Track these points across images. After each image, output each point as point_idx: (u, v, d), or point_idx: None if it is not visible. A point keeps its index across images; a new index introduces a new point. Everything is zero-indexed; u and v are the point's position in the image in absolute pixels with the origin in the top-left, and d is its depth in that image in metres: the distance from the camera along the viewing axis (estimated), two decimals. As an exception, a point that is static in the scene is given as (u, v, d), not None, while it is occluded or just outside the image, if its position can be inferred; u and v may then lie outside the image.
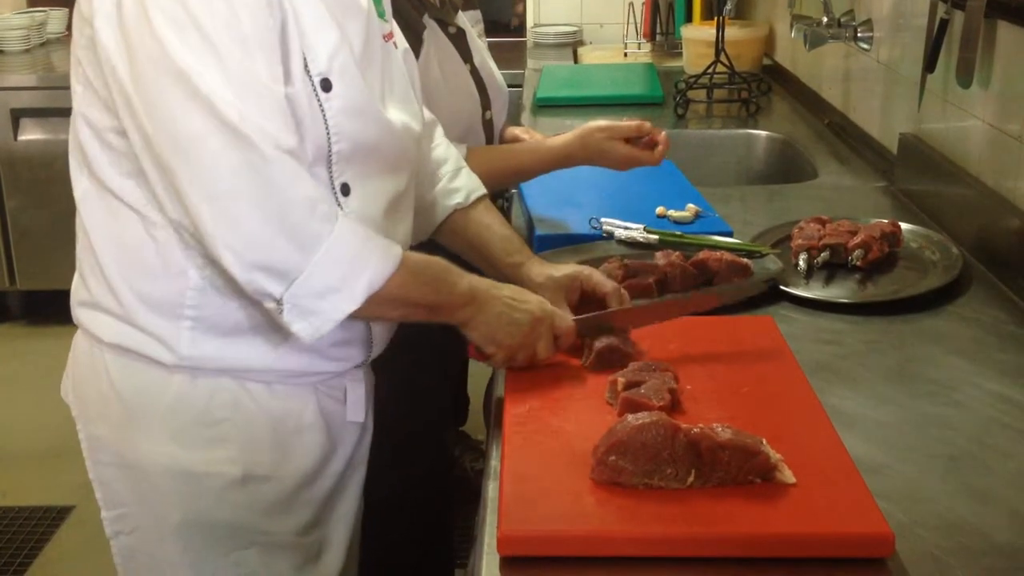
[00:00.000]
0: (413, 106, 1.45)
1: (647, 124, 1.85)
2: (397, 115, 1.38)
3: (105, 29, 1.19)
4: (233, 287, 1.25)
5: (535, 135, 2.20)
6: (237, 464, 1.34)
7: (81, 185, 1.32)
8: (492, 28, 2.54)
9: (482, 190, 1.63)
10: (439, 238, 1.63)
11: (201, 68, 1.15)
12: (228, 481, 1.34)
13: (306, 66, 1.23)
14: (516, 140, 2.16)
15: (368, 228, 1.27)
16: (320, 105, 1.25)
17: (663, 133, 1.85)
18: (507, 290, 1.38)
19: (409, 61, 1.51)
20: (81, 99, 1.28)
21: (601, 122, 1.87)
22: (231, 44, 1.16)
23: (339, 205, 1.29)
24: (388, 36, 1.42)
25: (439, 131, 1.67)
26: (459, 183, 1.61)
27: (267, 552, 1.39)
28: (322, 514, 1.45)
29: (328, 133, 1.26)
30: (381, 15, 1.40)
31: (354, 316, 1.24)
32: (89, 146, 1.28)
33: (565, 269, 1.52)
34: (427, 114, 1.62)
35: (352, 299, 1.22)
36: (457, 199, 1.59)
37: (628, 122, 1.86)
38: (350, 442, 1.47)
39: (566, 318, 1.40)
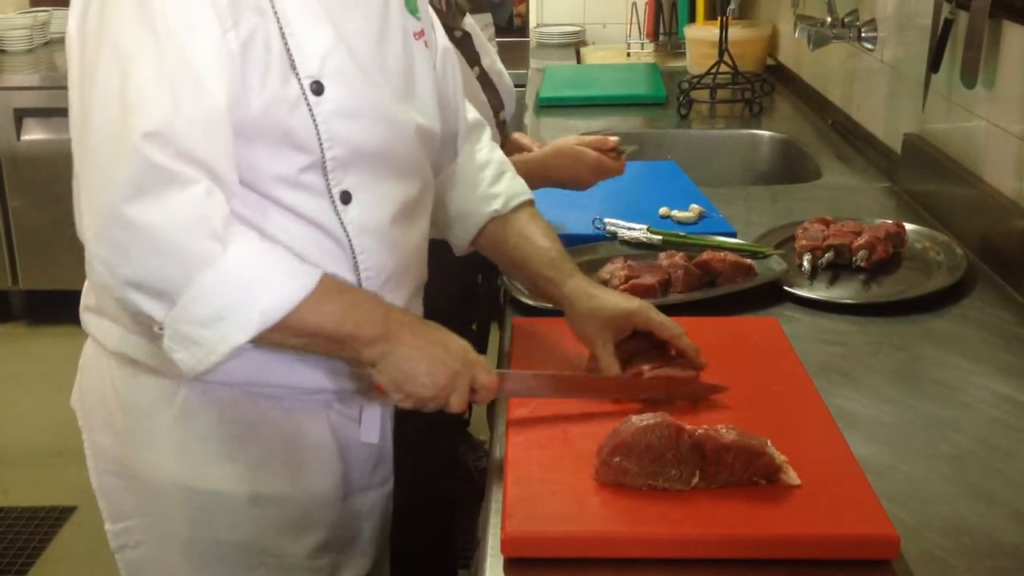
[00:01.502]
0: (434, 108, 1.37)
1: (610, 139, 1.96)
2: (413, 116, 1.31)
3: (71, 21, 1.17)
4: None
5: (535, 144, 2.22)
6: (244, 482, 1.30)
7: None
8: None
9: (526, 195, 1.50)
10: (482, 251, 1.52)
11: (139, 53, 1.10)
12: (235, 500, 1.30)
13: (294, 69, 1.18)
14: (520, 148, 2.17)
15: (279, 250, 1.17)
16: (309, 109, 1.19)
17: (616, 139, 1.96)
18: (431, 333, 1.24)
19: (451, 61, 1.46)
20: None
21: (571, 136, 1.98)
22: (174, 42, 1.11)
23: (336, 215, 1.24)
24: (419, 33, 1.36)
25: (486, 134, 1.57)
26: (499, 188, 1.48)
27: (276, 575, 1.34)
28: (334, 538, 1.38)
29: (319, 138, 1.20)
30: (413, 11, 1.35)
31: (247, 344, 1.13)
32: None
33: (619, 303, 1.35)
34: (473, 115, 1.55)
35: (242, 330, 1.11)
36: (495, 205, 1.46)
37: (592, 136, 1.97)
38: (365, 464, 1.40)
39: (490, 373, 1.24)
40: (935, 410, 1.32)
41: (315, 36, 1.20)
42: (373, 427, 1.37)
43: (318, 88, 1.19)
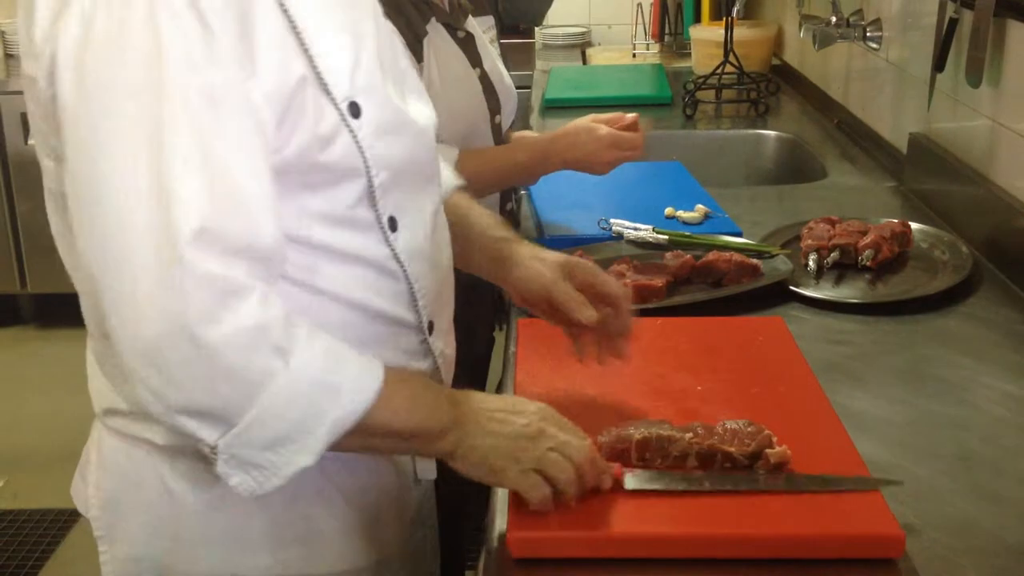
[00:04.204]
0: (425, 93, 1.23)
1: (628, 115, 1.95)
2: (419, 110, 1.16)
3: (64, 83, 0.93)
4: None
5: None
6: (335, 561, 1.16)
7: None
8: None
9: (456, 183, 1.37)
10: None
11: (157, 125, 0.90)
12: None
13: (328, 93, 1.00)
14: None
15: (342, 349, 0.99)
16: (353, 136, 1.02)
17: (635, 115, 1.96)
18: (497, 402, 1.09)
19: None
20: (55, 177, 1.05)
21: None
22: (190, 112, 0.90)
23: (388, 245, 1.09)
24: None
25: None
26: None
27: None
28: None
29: (367, 165, 1.04)
30: None
31: None
32: None
33: (555, 255, 1.29)
34: None
35: (310, 451, 0.95)
36: None
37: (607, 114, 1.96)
38: (416, 502, 1.29)
39: (582, 440, 1.07)
40: (941, 409, 1.32)
41: (339, 48, 1.02)
42: (430, 463, 1.26)
43: (355, 109, 1.02)
